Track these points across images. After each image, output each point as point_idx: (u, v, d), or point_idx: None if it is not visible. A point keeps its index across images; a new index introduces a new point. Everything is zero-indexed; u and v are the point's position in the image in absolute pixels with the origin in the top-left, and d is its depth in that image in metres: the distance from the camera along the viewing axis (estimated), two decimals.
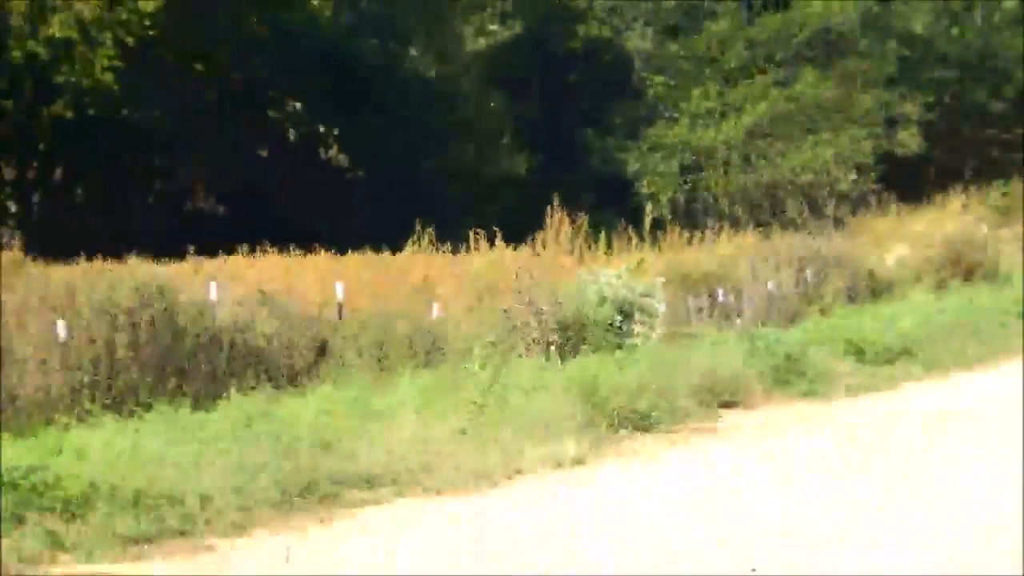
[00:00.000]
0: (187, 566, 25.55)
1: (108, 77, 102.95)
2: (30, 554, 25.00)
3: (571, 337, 49.82)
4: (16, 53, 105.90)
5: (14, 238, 62.17)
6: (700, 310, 57.50)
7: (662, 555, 25.74)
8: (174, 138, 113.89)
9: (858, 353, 52.49)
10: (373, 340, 44.35)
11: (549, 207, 68.85)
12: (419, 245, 66.78)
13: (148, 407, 35.53)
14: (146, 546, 26.09)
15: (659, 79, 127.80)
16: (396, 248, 69.26)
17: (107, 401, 36.61)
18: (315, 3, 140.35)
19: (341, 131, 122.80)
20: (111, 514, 26.52)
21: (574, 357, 46.03)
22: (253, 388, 38.43)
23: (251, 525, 27.07)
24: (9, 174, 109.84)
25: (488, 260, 62.52)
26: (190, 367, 40.38)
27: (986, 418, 43.13)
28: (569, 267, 62.01)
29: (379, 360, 43.32)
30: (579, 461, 34.64)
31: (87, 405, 33.62)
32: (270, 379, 40.39)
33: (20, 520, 26.22)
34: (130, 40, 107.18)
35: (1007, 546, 25.58)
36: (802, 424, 42.24)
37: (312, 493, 29.70)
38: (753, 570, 22.51)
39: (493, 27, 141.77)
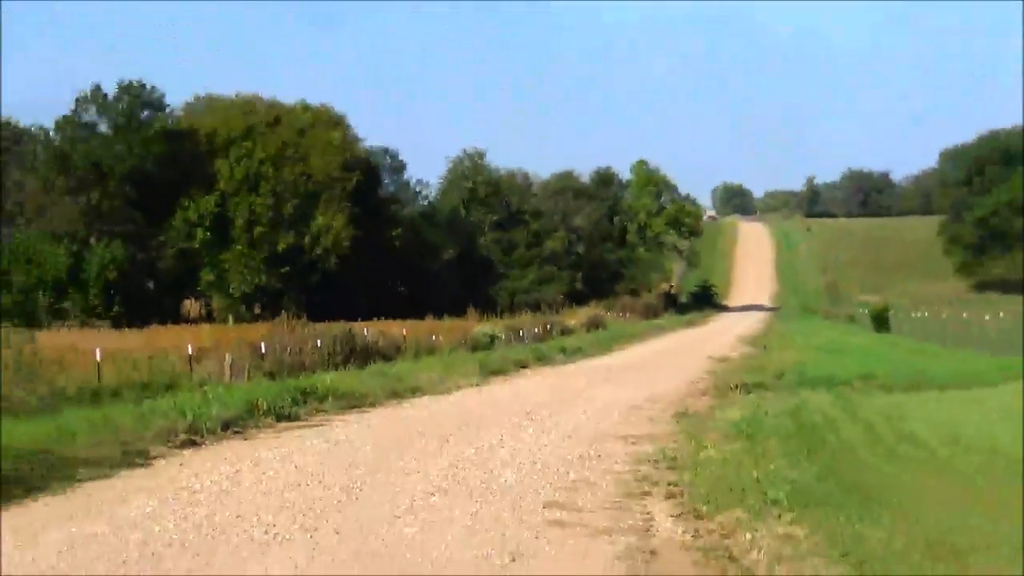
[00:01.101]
0: (367, 416, 27.00)
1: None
2: (306, 413, 27.12)
3: (475, 346, 52.75)
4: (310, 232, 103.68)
5: (301, 312, 62.36)
6: (516, 338, 59.06)
7: (508, 405, 29.39)
8: (350, 277, 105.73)
9: (565, 351, 54.17)
10: (412, 345, 47.75)
11: (469, 307, 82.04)
12: (426, 318, 71.38)
13: (343, 367, 37.55)
14: (345, 411, 27.77)
15: (503, 271, 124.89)
16: (423, 319, 71.82)
17: (330, 364, 38.46)
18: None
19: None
20: (331, 400, 28.52)
21: (474, 351, 48.92)
22: (378, 362, 40.14)
23: (379, 404, 29.07)
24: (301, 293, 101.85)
25: (448, 323, 70.93)
26: (357, 354, 41.98)
27: (611, 368, 44.94)
28: (477, 325, 65.84)
29: (415, 352, 46.02)
30: (480, 384, 37.25)
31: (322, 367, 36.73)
32: (384, 359, 41.77)
33: (304, 402, 27.98)
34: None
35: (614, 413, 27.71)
36: (547, 370, 45.01)
37: (396, 394, 32.04)
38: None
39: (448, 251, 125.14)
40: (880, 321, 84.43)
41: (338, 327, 47.79)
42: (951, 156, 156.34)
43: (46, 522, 13.43)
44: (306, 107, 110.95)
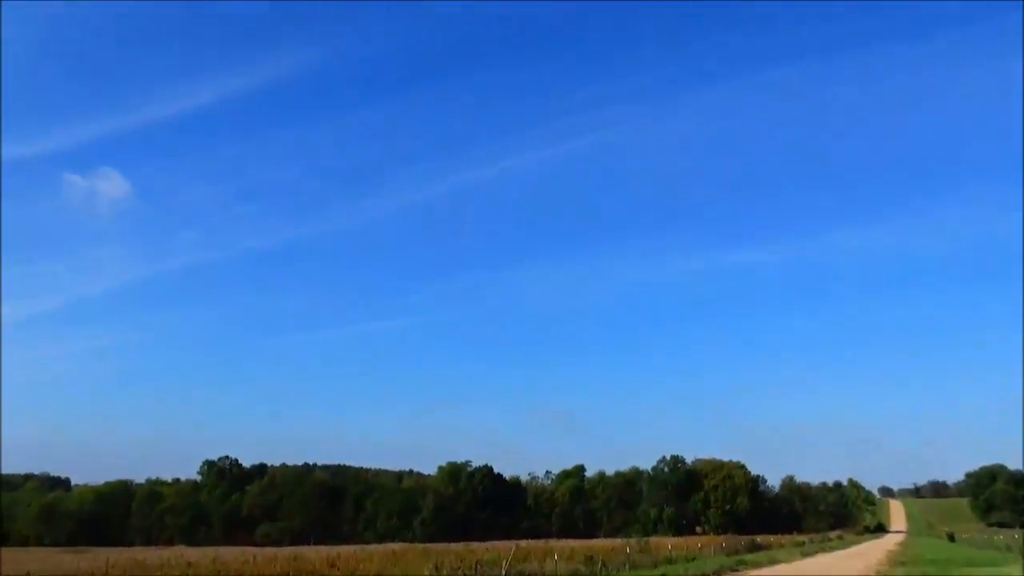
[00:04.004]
0: (804, 559, 21.00)
1: None
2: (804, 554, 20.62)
3: (798, 543, 36.22)
4: None
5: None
6: (810, 541, 40.40)
7: (836, 556, 21.73)
8: (749, 514, 74.63)
9: (834, 544, 36.77)
10: (791, 541, 35.24)
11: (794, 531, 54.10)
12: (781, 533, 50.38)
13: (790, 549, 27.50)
14: (775, 563, 20.50)
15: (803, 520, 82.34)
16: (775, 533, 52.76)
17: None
18: None
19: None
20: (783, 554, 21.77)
21: (797, 545, 33.79)
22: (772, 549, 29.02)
23: (796, 559, 19.87)
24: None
25: (786, 537, 49.08)
26: (755, 548, 29.62)
27: (860, 549, 29.54)
28: (800, 536, 46.95)
29: (795, 543, 32.91)
30: (817, 555, 25.22)
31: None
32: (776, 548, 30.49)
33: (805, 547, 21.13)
34: None
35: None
36: (827, 554, 26.18)
37: (804, 555, 22.95)
38: None
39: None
40: (951, 538, 60.86)
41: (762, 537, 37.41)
42: (972, 475, 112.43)
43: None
44: (739, 464, 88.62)
